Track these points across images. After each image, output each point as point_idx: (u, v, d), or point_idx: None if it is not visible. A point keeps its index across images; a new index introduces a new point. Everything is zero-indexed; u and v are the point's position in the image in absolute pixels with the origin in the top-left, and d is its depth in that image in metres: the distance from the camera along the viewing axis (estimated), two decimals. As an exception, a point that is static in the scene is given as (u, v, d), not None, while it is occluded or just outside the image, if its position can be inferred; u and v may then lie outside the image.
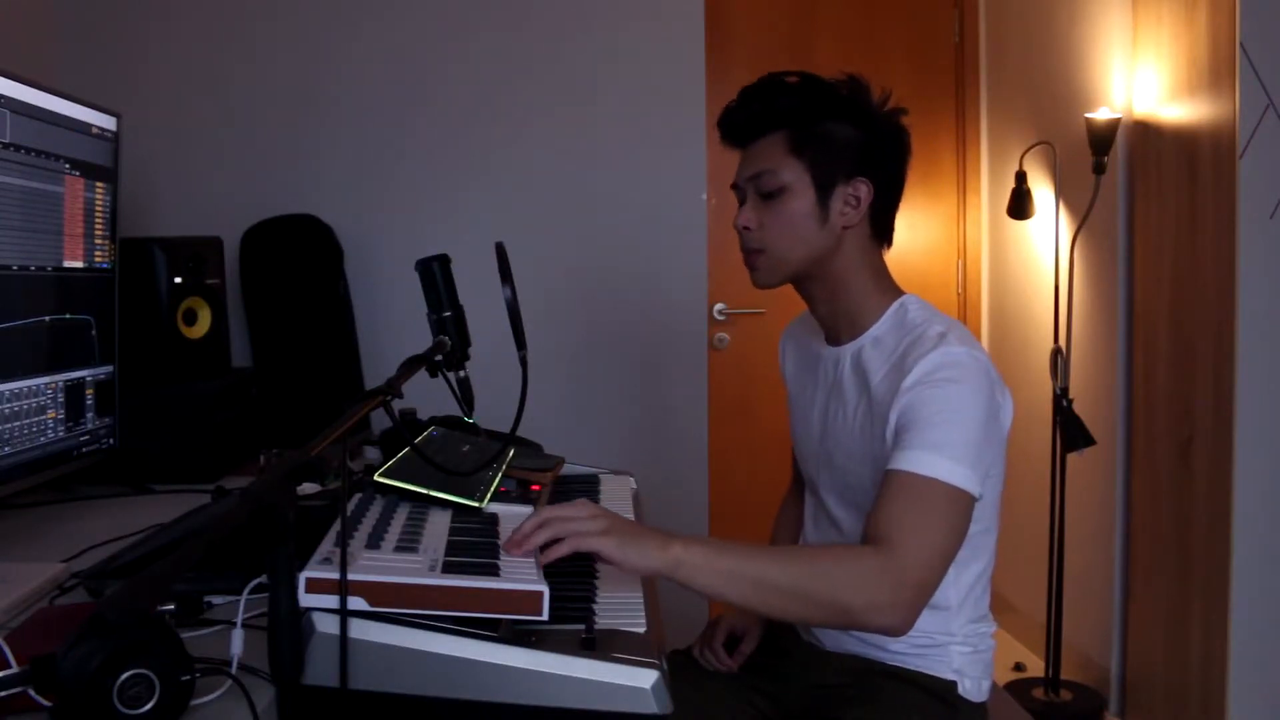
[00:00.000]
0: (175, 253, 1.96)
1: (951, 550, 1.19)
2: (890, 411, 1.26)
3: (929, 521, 1.17)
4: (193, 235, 2.09)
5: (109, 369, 1.74)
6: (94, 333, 1.69)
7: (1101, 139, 2.51)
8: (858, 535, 1.36)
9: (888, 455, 1.24)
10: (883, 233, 1.40)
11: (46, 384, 1.56)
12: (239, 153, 2.73)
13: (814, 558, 1.22)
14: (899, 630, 1.16)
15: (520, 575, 1.04)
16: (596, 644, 0.99)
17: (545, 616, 1.00)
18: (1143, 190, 2.55)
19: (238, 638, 0.94)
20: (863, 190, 1.35)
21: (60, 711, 0.75)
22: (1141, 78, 2.52)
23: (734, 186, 1.41)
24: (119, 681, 0.75)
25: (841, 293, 1.39)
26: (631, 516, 1.48)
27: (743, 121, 1.38)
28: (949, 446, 1.19)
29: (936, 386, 1.23)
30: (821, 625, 1.42)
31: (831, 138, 1.34)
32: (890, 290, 1.40)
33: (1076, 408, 2.52)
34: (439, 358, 1.32)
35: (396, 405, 1.17)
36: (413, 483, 1.29)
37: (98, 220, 1.70)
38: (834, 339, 1.43)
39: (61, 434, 1.60)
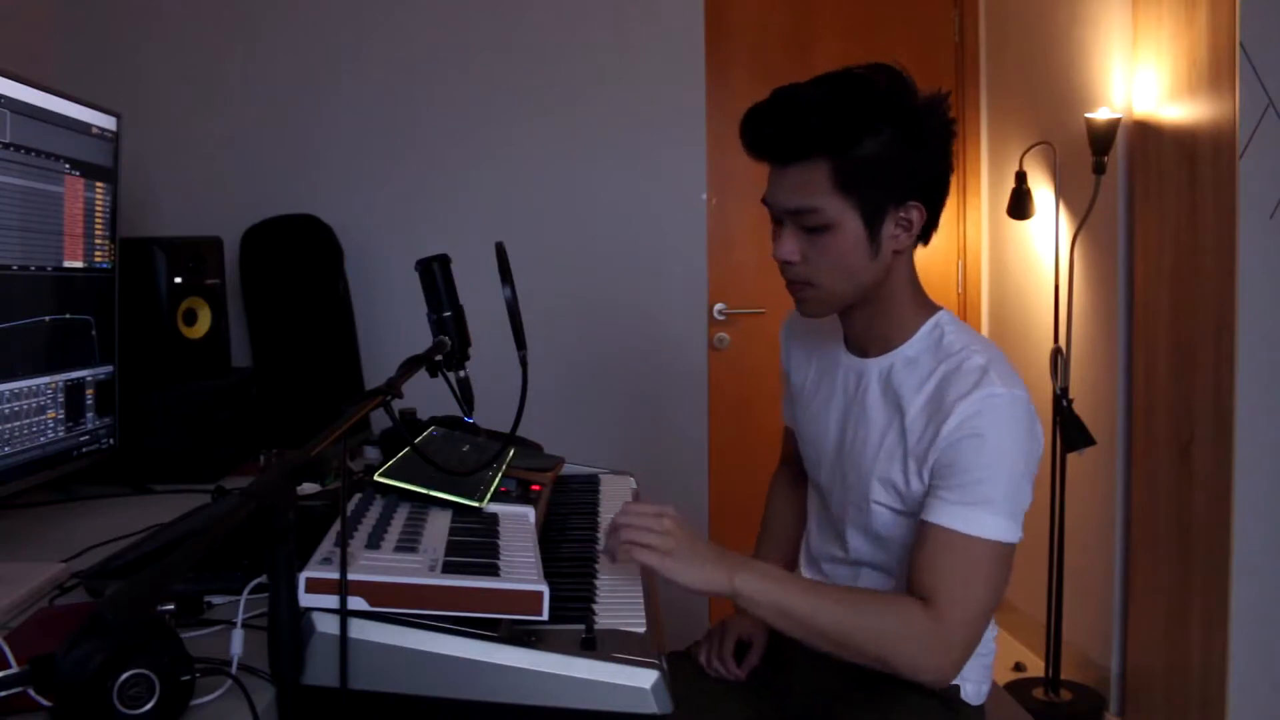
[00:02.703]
0: (175, 253, 1.96)
1: (995, 606, 1.22)
2: (929, 452, 1.23)
3: (976, 581, 1.19)
4: (193, 235, 2.09)
5: (109, 369, 1.74)
6: (94, 333, 1.69)
7: (1101, 139, 2.51)
8: (862, 555, 1.37)
9: (917, 496, 1.24)
10: (926, 239, 1.31)
11: (46, 384, 1.56)
12: (239, 152, 2.73)
13: (862, 608, 1.21)
14: (942, 685, 1.23)
15: (520, 575, 1.04)
16: (596, 644, 0.99)
17: (545, 616, 1.00)
18: (1143, 190, 2.55)
19: (238, 638, 0.94)
20: (914, 214, 1.25)
21: (60, 711, 0.75)
22: (1141, 78, 2.52)
23: (766, 203, 1.29)
24: (119, 681, 0.76)
25: (883, 312, 1.32)
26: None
27: (775, 140, 1.24)
28: (994, 502, 1.18)
29: (980, 436, 1.19)
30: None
31: (877, 164, 1.20)
32: (925, 305, 1.34)
33: (1076, 408, 2.52)
34: (439, 358, 1.32)
35: (396, 405, 1.17)
36: (413, 483, 1.29)
37: (98, 220, 1.70)
38: (859, 350, 1.37)
39: (61, 434, 1.60)
